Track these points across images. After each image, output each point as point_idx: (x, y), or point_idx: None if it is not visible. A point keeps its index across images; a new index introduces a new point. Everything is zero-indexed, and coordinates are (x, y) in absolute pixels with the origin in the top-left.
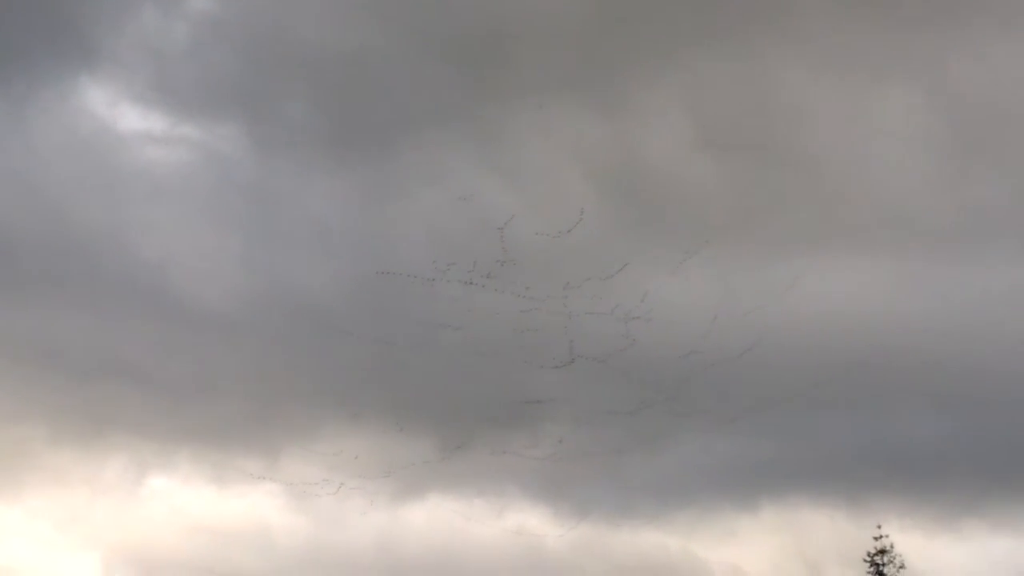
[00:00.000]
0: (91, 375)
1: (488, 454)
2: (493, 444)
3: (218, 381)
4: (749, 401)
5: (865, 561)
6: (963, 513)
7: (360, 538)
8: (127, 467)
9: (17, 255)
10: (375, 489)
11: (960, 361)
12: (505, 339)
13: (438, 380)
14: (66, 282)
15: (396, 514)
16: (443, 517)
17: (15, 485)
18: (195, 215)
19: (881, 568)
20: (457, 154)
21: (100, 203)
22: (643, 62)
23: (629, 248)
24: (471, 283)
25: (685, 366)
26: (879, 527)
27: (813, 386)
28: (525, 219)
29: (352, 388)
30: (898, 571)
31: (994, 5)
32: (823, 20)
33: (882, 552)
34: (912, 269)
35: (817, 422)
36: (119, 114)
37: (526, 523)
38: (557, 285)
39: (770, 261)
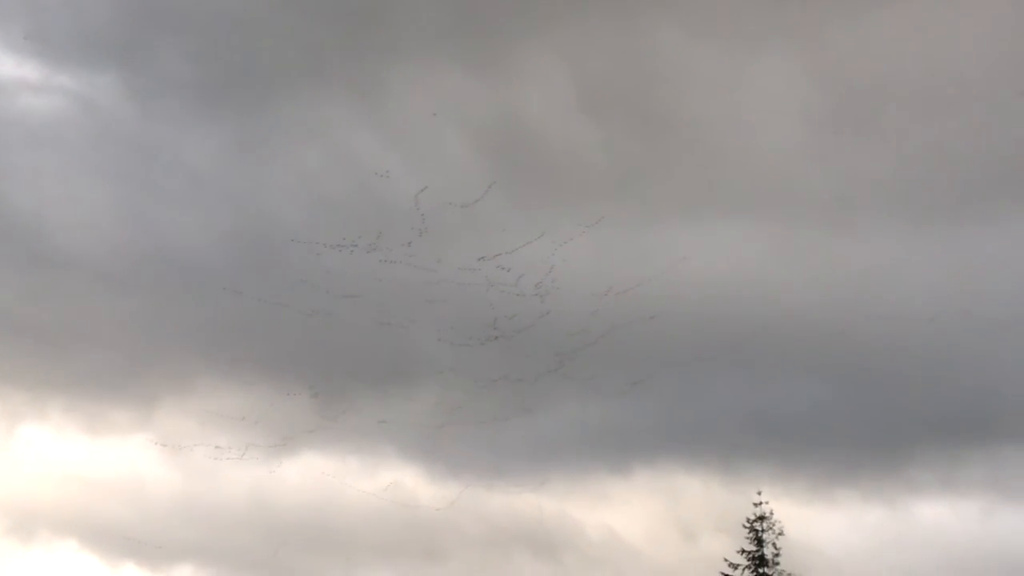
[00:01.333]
0: None
1: (368, 416)
2: (374, 406)
3: (92, 331)
4: (637, 369)
5: (744, 527)
6: (837, 482)
7: (233, 493)
8: None
9: None
10: (249, 443)
11: (836, 331)
12: (413, 311)
13: (324, 342)
14: None
15: (271, 470)
16: (317, 475)
17: None
18: (70, 164)
19: (760, 534)
20: (335, 109)
21: None
22: (525, 22)
23: (523, 218)
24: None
25: (580, 336)
26: (759, 493)
27: (695, 356)
28: (402, 179)
29: (232, 345)
30: (777, 537)
31: None
32: None
33: (762, 519)
34: (791, 238)
35: (692, 388)
36: None
37: (401, 483)
38: (463, 256)
39: (654, 228)
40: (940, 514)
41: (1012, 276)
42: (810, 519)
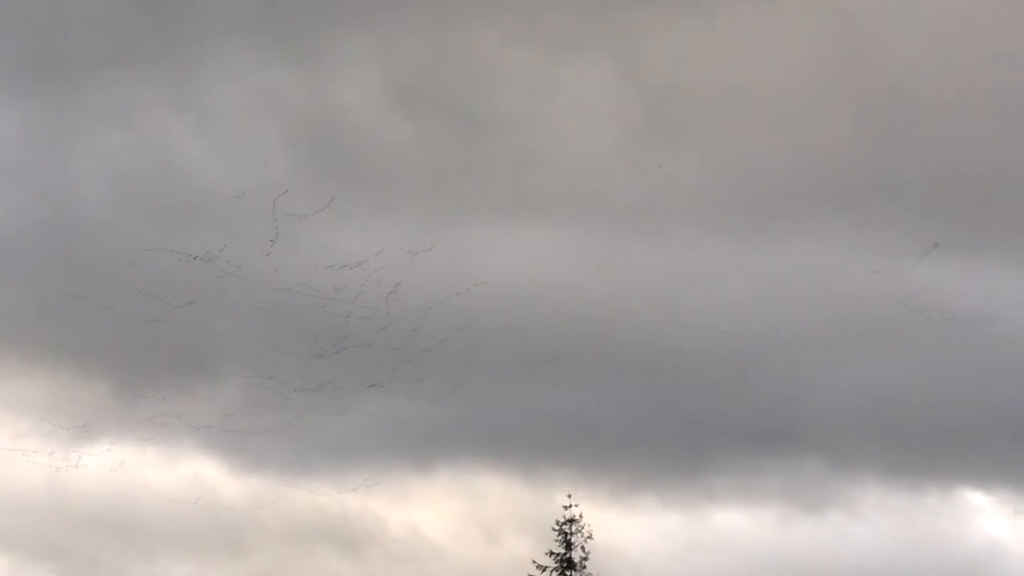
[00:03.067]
0: None
1: (169, 407)
2: (176, 398)
3: None
4: (450, 376)
5: (553, 529)
6: (638, 488)
7: (32, 482)
8: None
9: None
10: (49, 432)
11: (641, 338)
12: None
13: (131, 336)
14: None
15: (70, 459)
16: (117, 465)
17: None
18: None
19: (569, 537)
20: (146, 96)
21: None
22: (341, 14)
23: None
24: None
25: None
26: (569, 496)
27: (503, 360)
28: (213, 170)
29: (34, 335)
30: (586, 541)
31: None
32: None
33: (571, 521)
34: (601, 244)
35: (498, 391)
36: None
37: (201, 474)
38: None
39: (466, 232)
40: (738, 521)
41: (819, 288)
42: (611, 523)
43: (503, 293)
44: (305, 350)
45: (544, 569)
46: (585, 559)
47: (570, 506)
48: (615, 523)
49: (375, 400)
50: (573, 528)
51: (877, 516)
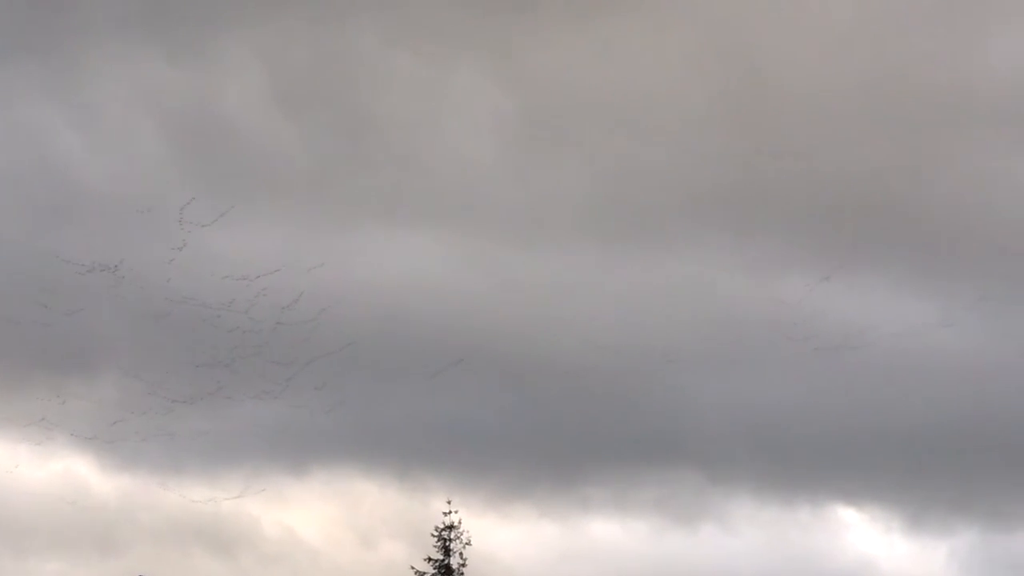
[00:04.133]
0: None
1: (42, 399)
2: (49, 390)
3: None
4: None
5: (433, 536)
6: (514, 496)
7: None
8: None
9: None
10: None
11: (520, 346)
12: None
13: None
14: None
15: None
16: None
17: None
18: None
19: (448, 543)
20: (27, 89)
21: None
22: (225, 13)
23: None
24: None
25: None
26: (449, 502)
27: (381, 363)
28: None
29: None
30: (464, 547)
31: None
32: None
33: (450, 528)
34: (481, 250)
35: (375, 395)
36: None
37: (73, 471)
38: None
39: (342, 226)
40: (612, 532)
41: (697, 302)
42: (487, 531)
43: (385, 301)
44: (191, 359)
45: (422, 575)
46: (463, 566)
47: (450, 512)
48: (490, 531)
49: (253, 405)
50: (452, 535)
51: (750, 530)
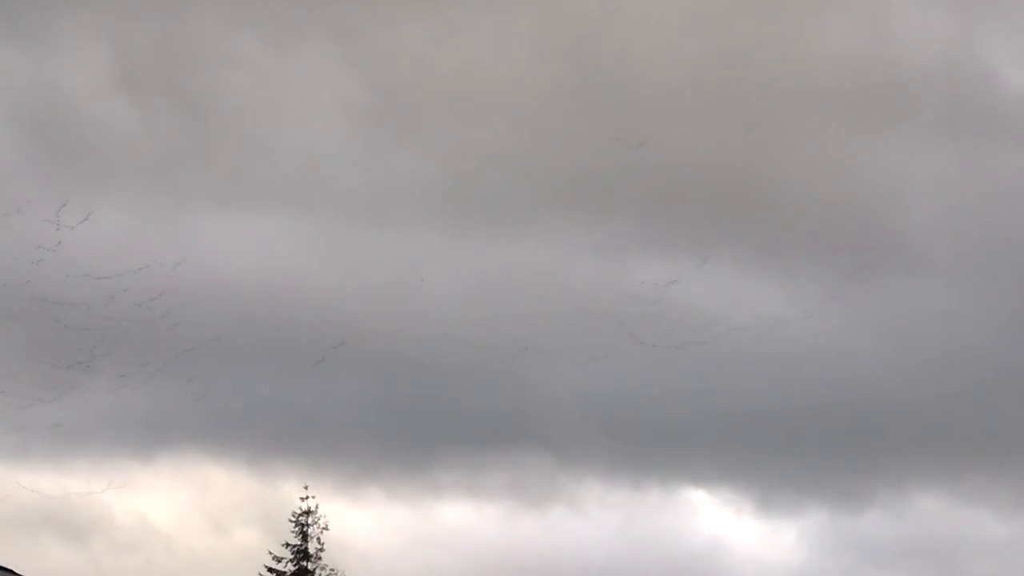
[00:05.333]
0: None
1: None
2: None
3: None
4: (159, 355)
5: (291, 521)
6: (363, 480)
7: None
8: None
9: None
10: None
11: (370, 331)
12: None
13: None
14: None
15: None
16: None
17: None
18: None
19: (305, 529)
20: None
21: None
22: None
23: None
24: None
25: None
26: (306, 488)
27: (227, 346)
28: None
29: None
30: (321, 532)
31: None
32: None
33: (308, 513)
34: (327, 235)
35: (220, 378)
36: None
37: None
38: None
39: (186, 212)
40: (463, 516)
41: (546, 285)
42: (337, 515)
43: (233, 292)
44: (49, 359)
45: (280, 560)
46: (321, 550)
47: (307, 498)
48: (341, 515)
49: (108, 399)
50: (309, 520)
51: (600, 512)
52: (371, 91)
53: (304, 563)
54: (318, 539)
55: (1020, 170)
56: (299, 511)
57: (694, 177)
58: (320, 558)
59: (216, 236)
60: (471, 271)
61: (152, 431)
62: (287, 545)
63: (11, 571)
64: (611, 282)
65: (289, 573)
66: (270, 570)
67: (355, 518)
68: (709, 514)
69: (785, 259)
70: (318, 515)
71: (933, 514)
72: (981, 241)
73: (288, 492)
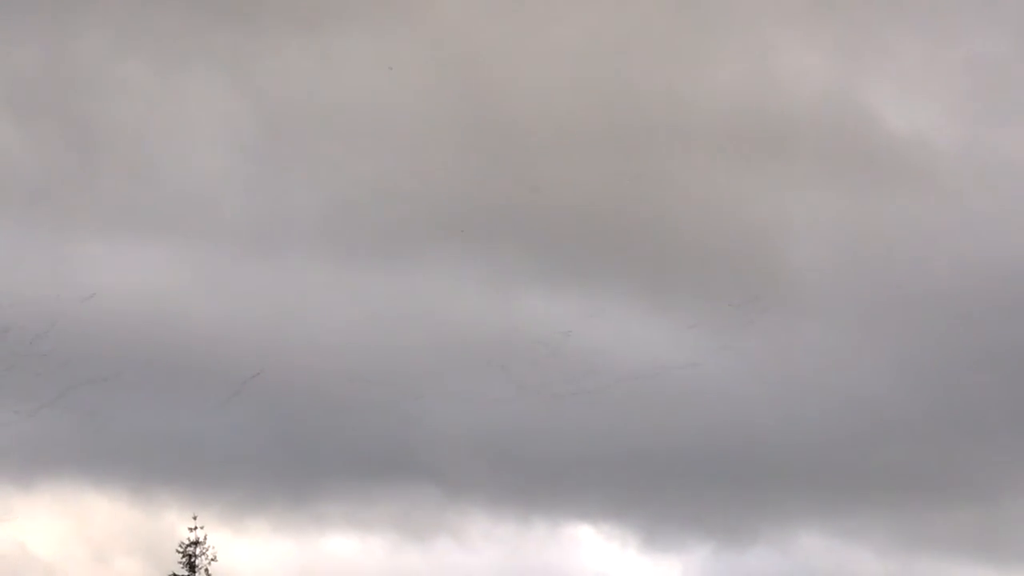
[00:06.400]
0: None
1: None
2: None
3: None
4: (49, 387)
5: (178, 551)
6: (247, 511)
7: None
8: None
9: None
10: None
11: (250, 359)
12: None
13: None
14: None
15: None
16: None
17: None
18: None
19: (194, 559)
20: None
21: None
22: None
23: None
24: None
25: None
26: (195, 518)
27: (109, 376)
28: None
29: None
30: (209, 563)
31: (287, 2)
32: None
33: (196, 543)
34: (213, 263)
35: (104, 408)
36: None
37: None
38: None
39: (74, 239)
40: (348, 548)
41: (430, 315)
42: (221, 546)
43: (123, 318)
44: None
45: None
46: None
47: (195, 528)
48: (225, 546)
49: None
50: (198, 550)
51: (486, 546)
52: (259, 119)
53: None
54: (206, 570)
55: (901, 213)
56: (187, 542)
57: (582, 216)
58: None
59: (101, 265)
60: (359, 303)
61: (33, 461)
62: None
63: None
64: (499, 318)
65: None
66: None
67: (239, 549)
68: (594, 549)
69: (673, 305)
70: (206, 546)
71: (815, 551)
72: (863, 284)
73: (171, 521)
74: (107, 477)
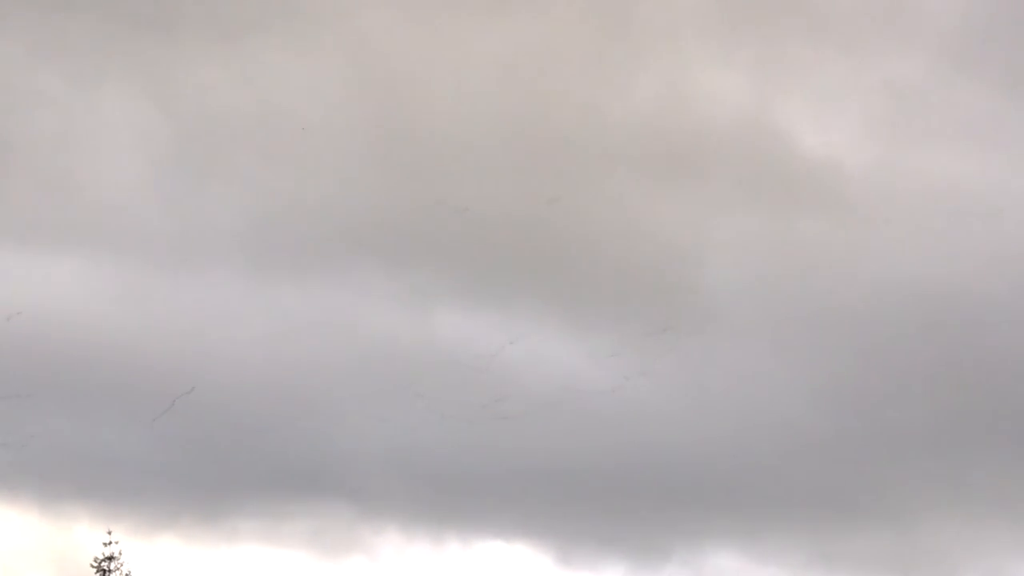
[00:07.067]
0: None
1: None
2: None
3: None
4: None
5: (92, 567)
6: (158, 526)
7: None
8: None
9: None
10: None
11: (160, 373)
12: None
13: None
14: None
15: None
16: None
17: None
18: None
19: (108, 574)
20: None
21: None
22: None
23: None
24: None
25: None
26: (109, 532)
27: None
28: None
29: None
30: None
31: (204, 14)
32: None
33: (110, 559)
34: (129, 277)
35: (10, 423)
36: None
37: None
38: None
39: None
40: (261, 564)
41: (351, 331)
42: (132, 561)
43: (26, 331)
44: None
45: None
46: None
47: (110, 543)
48: (137, 560)
49: None
50: (112, 565)
51: (398, 563)
52: (177, 131)
53: None
54: None
55: (815, 235)
56: (101, 556)
57: (501, 234)
58: None
59: (15, 279)
60: (276, 318)
61: None
62: None
63: None
64: (417, 336)
65: None
66: None
67: (150, 563)
68: (509, 567)
69: (592, 328)
70: (120, 560)
71: (728, 571)
72: (778, 306)
73: (81, 536)
74: (14, 491)
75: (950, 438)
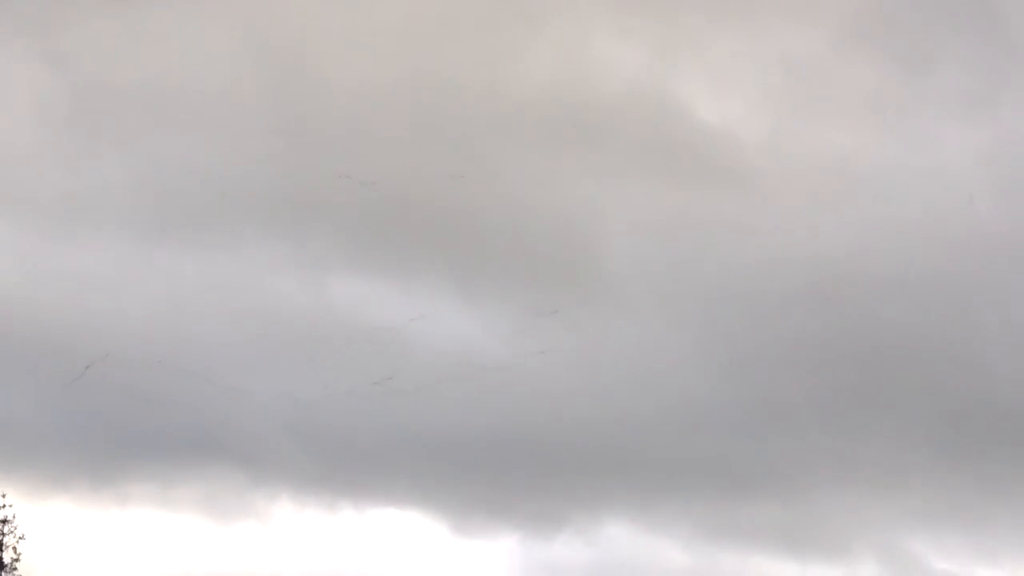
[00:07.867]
0: None
1: None
2: None
3: None
4: None
5: None
6: (50, 490)
7: None
8: None
9: None
10: None
11: (51, 340)
12: None
13: None
14: None
15: None
16: None
17: None
18: None
19: (1, 538)
20: None
21: None
22: None
23: None
24: None
25: None
26: (3, 496)
27: None
28: None
29: None
30: (18, 541)
31: None
32: None
33: (4, 522)
34: (16, 240)
35: None
36: None
37: None
38: None
39: None
40: (154, 528)
41: (247, 297)
42: (25, 524)
43: None
44: None
45: None
46: (17, 560)
47: (3, 506)
48: (29, 524)
49: None
50: (5, 528)
51: (291, 530)
52: (67, 91)
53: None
54: (14, 548)
55: (710, 206)
56: None
57: (398, 206)
58: (16, 568)
59: None
60: (170, 285)
61: None
62: None
63: None
64: (312, 305)
65: None
66: None
67: (44, 526)
68: (402, 535)
69: (490, 303)
70: (14, 524)
71: (621, 541)
72: (674, 279)
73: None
74: None
75: (842, 412)
